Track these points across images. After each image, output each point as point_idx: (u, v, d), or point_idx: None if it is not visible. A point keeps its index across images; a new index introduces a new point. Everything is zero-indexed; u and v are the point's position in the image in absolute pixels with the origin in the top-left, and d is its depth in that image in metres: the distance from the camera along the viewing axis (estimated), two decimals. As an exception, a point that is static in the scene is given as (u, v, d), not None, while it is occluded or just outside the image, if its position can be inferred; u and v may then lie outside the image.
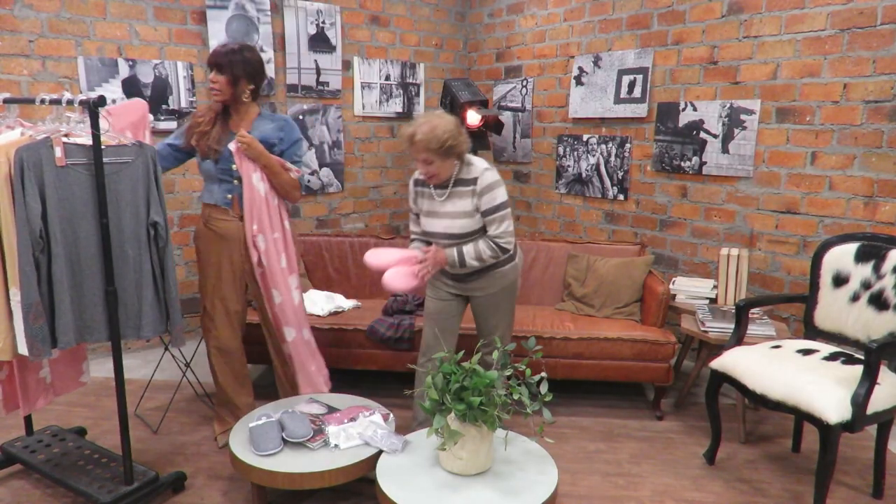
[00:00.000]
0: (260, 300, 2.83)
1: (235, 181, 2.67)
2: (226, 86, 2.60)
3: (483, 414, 2.03)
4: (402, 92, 5.07)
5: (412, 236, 2.74)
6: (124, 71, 3.78)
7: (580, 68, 4.44)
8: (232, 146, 2.61)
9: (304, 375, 2.91)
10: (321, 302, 3.51)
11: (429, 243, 2.63)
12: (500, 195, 2.46)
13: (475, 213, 2.47)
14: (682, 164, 3.92)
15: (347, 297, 3.73)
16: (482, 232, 2.52)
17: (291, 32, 4.39)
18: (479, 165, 2.49)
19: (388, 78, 4.96)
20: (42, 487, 2.57)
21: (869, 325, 2.54)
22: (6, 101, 2.29)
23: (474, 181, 2.45)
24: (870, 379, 2.20)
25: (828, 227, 3.32)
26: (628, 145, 4.22)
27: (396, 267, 2.53)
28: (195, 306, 3.32)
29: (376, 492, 2.09)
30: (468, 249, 2.48)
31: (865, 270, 2.59)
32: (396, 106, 5.05)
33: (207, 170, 2.70)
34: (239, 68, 2.60)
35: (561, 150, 4.66)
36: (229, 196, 2.69)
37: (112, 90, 3.74)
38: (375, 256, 2.59)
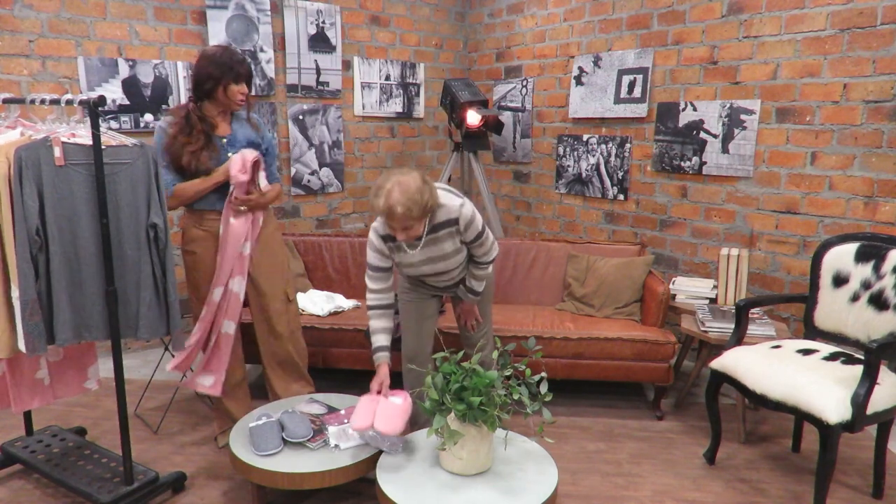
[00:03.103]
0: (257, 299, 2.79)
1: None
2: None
3: (483, 414, 2.03)
4: (402, 92, 5.06)
5: (371, 298, 2.49)
6: (124, 71, 3.78)
7: (580, 68, 4.43)
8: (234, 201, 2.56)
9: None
10: (321, 302, 3.51)
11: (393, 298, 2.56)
12: (479, 221, 2.41)
13: (463, 246, 2.46)
14: (682, 164, 3.91)
15: (347, 297, 3.72)
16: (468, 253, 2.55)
17: (291, 32, 4.39)
18: (453, 203, 2.34)
19: (388, 78, 4.96)
20: (42, 487, 2.57)
21: (869, 325, 2.54)
22: (6, 100, 2.29)
23: (455, 221, 2.35)
24: (870, 379, 2.20)
25: (828, 227, 3.32)
26: (628, 145, 4.22)
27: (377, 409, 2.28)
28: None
29: (376, 492, 2.09)
30: (473, 284, 2.59)
31: (865, 270, 2.59)
32: (396, 106, 5.05)
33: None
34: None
35: (561, 150, 4.66)
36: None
37: (112, 90, 3.74)
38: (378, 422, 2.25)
